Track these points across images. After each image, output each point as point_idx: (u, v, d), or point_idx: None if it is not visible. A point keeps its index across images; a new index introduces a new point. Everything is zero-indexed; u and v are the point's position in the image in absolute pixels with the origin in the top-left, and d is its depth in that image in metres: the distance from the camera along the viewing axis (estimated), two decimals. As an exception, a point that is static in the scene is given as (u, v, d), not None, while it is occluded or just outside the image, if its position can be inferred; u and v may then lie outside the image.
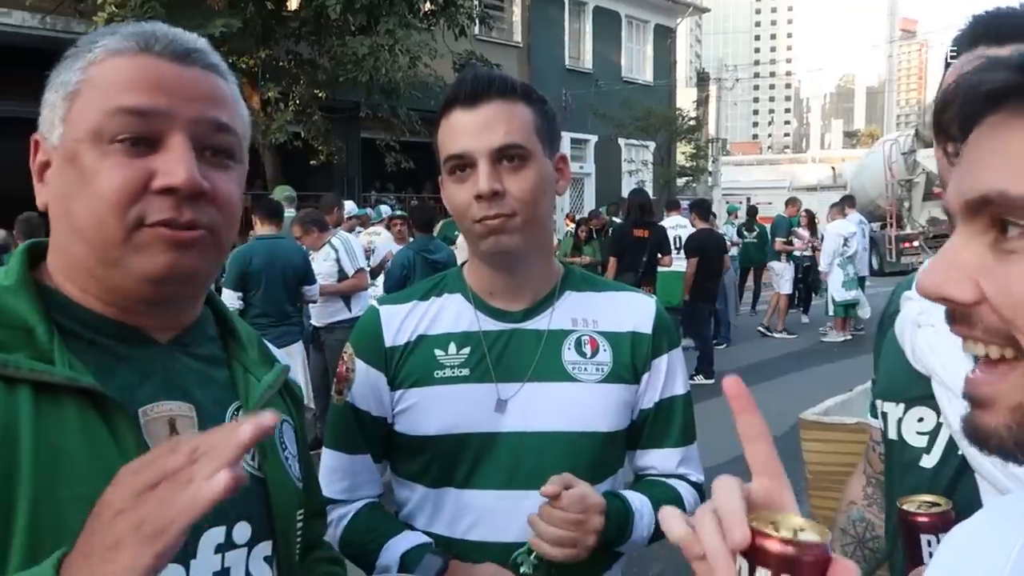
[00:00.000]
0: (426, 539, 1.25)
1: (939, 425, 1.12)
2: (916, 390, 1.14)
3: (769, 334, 11.38)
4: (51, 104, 0.83)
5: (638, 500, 1.27)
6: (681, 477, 1.36)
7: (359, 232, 8.08)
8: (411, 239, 6.84)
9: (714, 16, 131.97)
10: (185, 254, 0.82)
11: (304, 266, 5.39)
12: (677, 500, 1.32)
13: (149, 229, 0.80)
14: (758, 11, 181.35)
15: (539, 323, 1.30)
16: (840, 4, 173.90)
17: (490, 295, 1.31)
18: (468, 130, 1.21)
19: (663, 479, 1.36)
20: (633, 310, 1.35)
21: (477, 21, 13.76)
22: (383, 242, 7.98)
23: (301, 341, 5.34)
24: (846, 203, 11.57)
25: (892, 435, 1.19)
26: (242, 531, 0.86)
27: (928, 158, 19.01)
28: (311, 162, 13.08)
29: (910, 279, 1.19)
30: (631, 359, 1.31)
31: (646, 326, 1.33)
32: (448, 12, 12.07)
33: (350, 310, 5.78)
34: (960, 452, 1.08)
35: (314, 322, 5.79)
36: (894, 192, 19.29)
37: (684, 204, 10.96)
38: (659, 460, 1.36)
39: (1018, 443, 0.53)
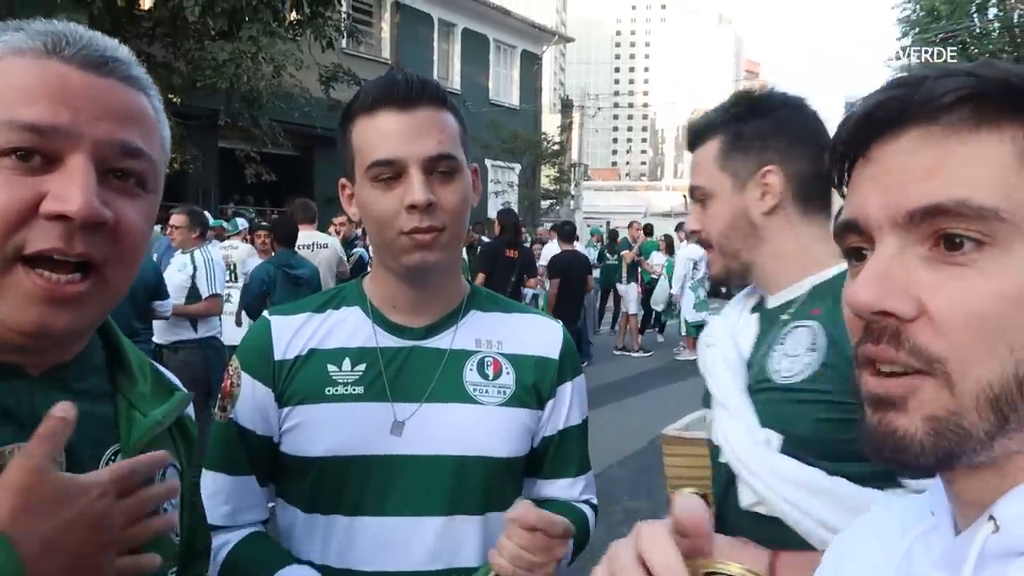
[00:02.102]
0: (313, 573, 1.16)
1: None
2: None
3: (627, 353, 11.85)
4: None
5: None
6: (584, 502, 1.34)
7: (213, 244, 7.70)
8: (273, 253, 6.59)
9: (578, 46, 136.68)
10: (61, 311, 0.70)
11: (156, 279, 5.04)
12: (586, 524, 1.30)
13: (24, 272, 0.68)
14: (618, 44, 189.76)
15: (441, 341, 1.23)
16: (692, 42, 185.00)
17: (392, 309, 1.24)
18: (399, 135, 1.12)
19: (568, 502, 1.32)
20: (540, 334, 1.30)
21: (345, 34, 13.54)
22: (241, 256, 7.64)
23: (174, 366, 4.98)
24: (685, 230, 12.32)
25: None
26: None
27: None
28: (163, 170, 12.34)
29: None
30: (535, 384, 1.26)
31: (553, 351, 1.29)
32: (315, 23, 11.79)
33: (196, 330, 5.42)
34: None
35: (156, 339, 5.39)
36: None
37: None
38: (563, 490, 1.32)
39: (936, 452, 0.52)
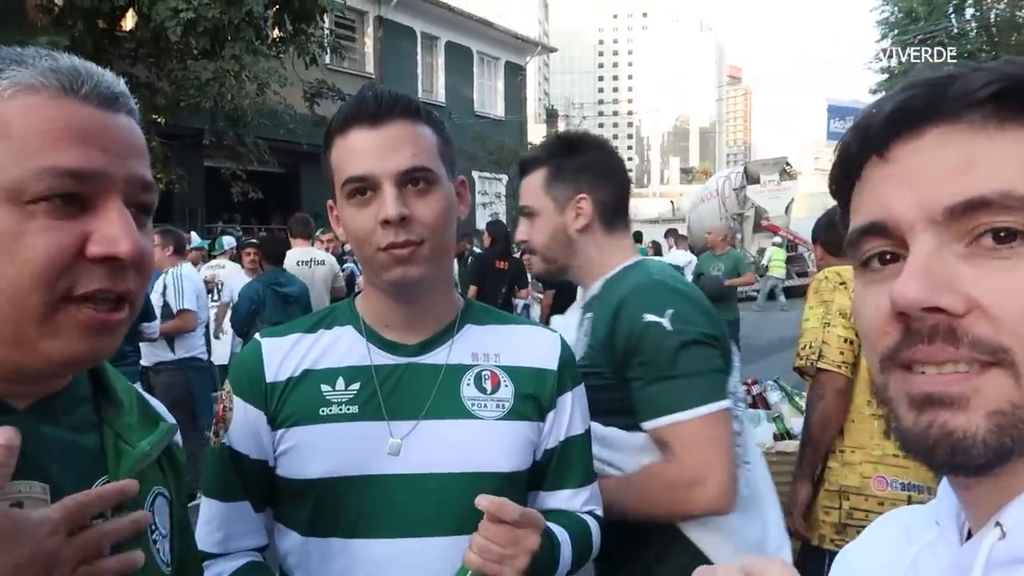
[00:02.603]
0: None
1: None
2: None
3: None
4: None
5: (561, 536, 1.20)
6: (588, 513, 1.31)
7: (201, 266, 7.67)
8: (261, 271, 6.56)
9: (561, 56, 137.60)
10: (106, 338, 0.73)
11: (144, 301, 4.98)
12: (589, 535, 1.27)
13: (77, 309, 0.70)
14: (601, 53, 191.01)
15: (437, 357, 1.21)
16: (674, 49, 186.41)
17: (385, 327, 1.22)
18: (370, 151, 1.12)
19: (569, 512, 1.29)
20: (537, 345, 1.28)
21: (328, 50, 13.57)
22: (229, 274, 7.60)
23: (140, 383, 4.93)
24: (676, 237, 12.40)
25: None
26: None
27: (757, 193, 20.65)
28: (149, 191, 12.29)
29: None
30: (534, 395, 1.24)
31: (551, 362, 1.27)
32: (298, 40, 11.81)
33: (173, 351, 5.37)
34: None
35: (143, 362, 5.35)
36: (728, 225, 20.75)
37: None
38: (566, 501, 1.29)
39: (997, 450, 0.51)
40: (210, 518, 1.21)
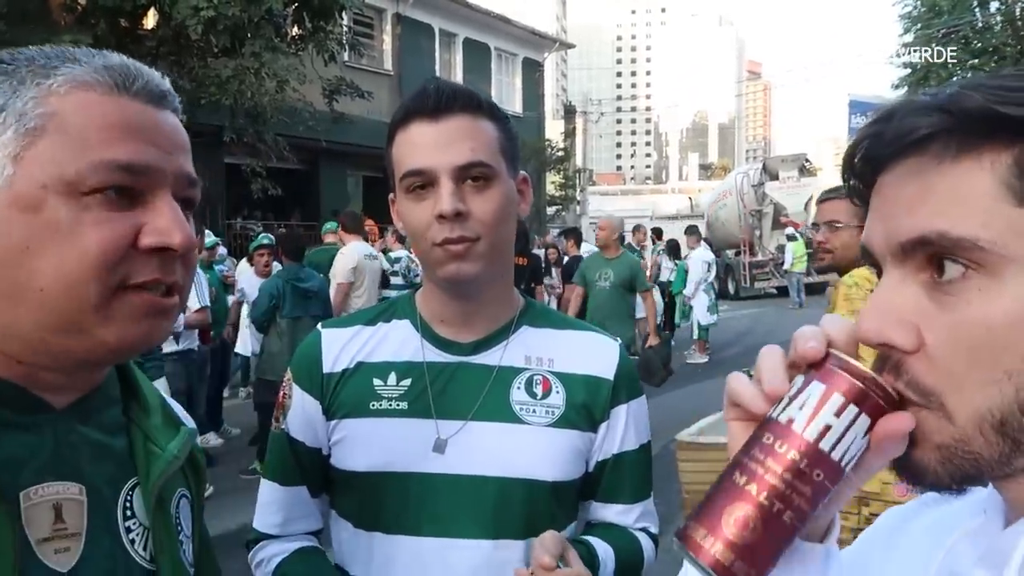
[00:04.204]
0: None
1: None
2: None
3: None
4: None
5: (602, 550, 1.17)
6: (642, 530, 1.27)
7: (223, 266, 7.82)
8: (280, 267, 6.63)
9: (579, 52, 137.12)
10: (160, 322, 0.75)
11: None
12: (638, 551, 1.24)
13: (133, 294, 0.72)
14: (619, 49, 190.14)
15: (489, 358, 1.20)
16: (693, 45, 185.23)
17: (440, 322, 1.21)
18: (429, 145, 1.11)
19: (620, 527, 1.25)
20: (594, 353, 1.24)
21: (347, 47, 13.60)
22: (241, 272, 7.83)
23: (164, 377, 5.02)
24: (695, 233, 12.33)
25: None
26: None
27: (775, 190, 20.49)
28: (170, 187, 12.40)
29: None
30: (587, 405, 1.20)
31: (607, 371, 1.22)
32: (317, 37, 11.84)
33: (177, 343, 5.59)
34: None
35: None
36: (746, 221, 20.59)
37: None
38: (616, 515, 1.26)
39: (952, 476, 0.53)
40: (270, 501, 1.24)
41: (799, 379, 0.55)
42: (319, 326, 1.29)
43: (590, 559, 1.13)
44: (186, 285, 0.78)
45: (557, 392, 1.20)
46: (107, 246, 0.70)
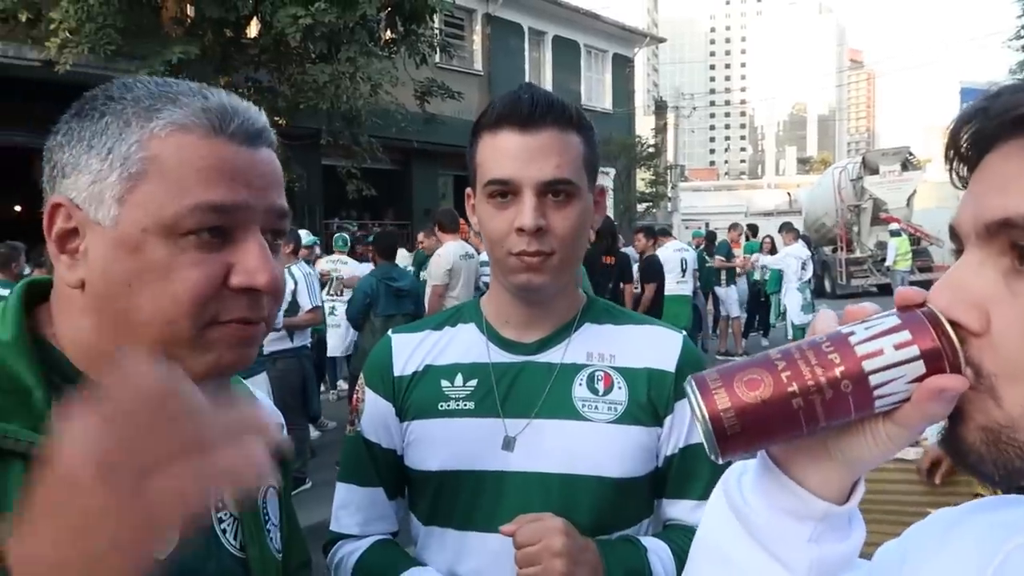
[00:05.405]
0: (435, 574, 1.17)
1: None
2: None
3: (730, 357, 11.50)
4: (94, 172, 0.73)
5: (651, 541, 1.17)
6: None
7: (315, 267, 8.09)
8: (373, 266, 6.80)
9: (670, 46, 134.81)
10: (249, 349, 0.79)
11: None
12: None
13: (222, 327, 0.76)
14: (712, 41, 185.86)
15: (552, 356, 1.21)
16: (790, 34, 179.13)
17: (505, 324, 1.24)
18: (517, 155, 1.12)
19: (686, 526, 1.21)
20: (655, 345, 1.24)
21: (438, 49, 13.82)
22: (350, 271, 8.03)
23: (265, 371, 5.24)
24: (791, 230, 11.88)
25: None
26: None
27: (875, 184, 19.57)
28: (271, 190, 12.91)
29: None
30: (651, 399, 1.19)
31: (668, 363, 1.21)
32: (409, 40, 12.09)
33: (292, 340, 5.75)
34: None
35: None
36: (844, 217, 19.76)
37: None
38: (684, 512, 1.22)
39: (997, 464, 0.52)
40: (347, 502, 1.28)
41: (880, 314, 0.56)
42: (389, 332, 1.33)
43: (634, 547, 1.14)
44: (273, 316, 0.82)
45: (619, 388, 1.20)
46: (200, 288, 0.73)
